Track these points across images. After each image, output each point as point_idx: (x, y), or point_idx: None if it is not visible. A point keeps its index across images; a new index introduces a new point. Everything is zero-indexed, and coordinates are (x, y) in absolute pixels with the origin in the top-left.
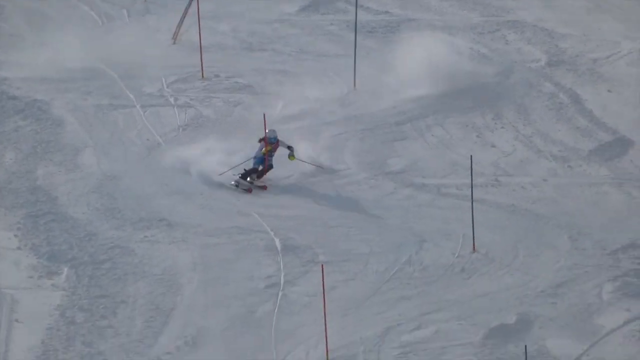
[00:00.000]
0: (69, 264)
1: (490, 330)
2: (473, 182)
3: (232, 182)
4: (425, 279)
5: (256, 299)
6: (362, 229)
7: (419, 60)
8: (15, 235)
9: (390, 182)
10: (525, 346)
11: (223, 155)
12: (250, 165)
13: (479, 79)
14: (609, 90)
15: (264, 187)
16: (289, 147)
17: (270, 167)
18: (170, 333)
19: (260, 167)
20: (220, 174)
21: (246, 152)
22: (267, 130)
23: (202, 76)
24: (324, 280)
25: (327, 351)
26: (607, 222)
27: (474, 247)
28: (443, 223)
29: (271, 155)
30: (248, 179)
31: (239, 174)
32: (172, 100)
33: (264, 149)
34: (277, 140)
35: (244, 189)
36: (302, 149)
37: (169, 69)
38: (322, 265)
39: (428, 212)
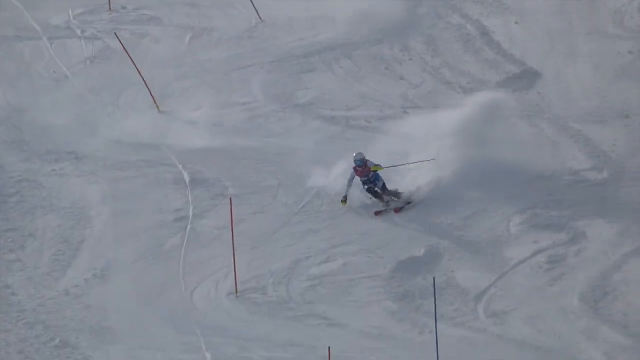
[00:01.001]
0: None
1: (398, 263)
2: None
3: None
4: (334, 212)
5: (165, 231)
6: (271, 162)
7: None
8: None
9: (299, 115)
10: (434, 278)
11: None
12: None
13: (387, 11)
14: (516, 22)
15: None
16: (376, 165)
17: (381, 187)
18: (78, 266)
19: (375, 187)
20: (377, 213)
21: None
22: (354, 154)
23: (109, 8)
24: (233, 213)
25: (235, 283)
26: (515, 154)
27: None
28: (352, 154)
29: (369, 178)
30: (385, 201)
31: (385, 204)
32: (78, 32)
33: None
34: (366, 162)
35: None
36: (210, 80)
37: (75, 1)
38: (230, 198)
39: (337, 144)
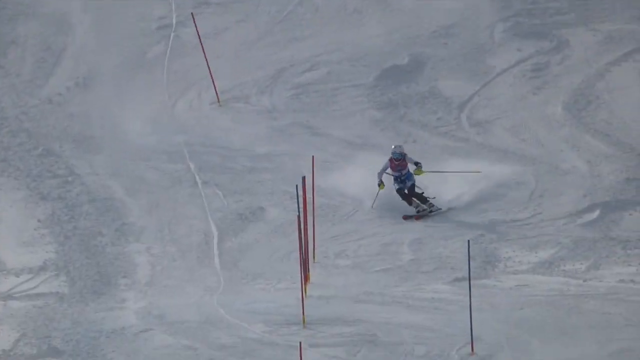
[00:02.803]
0: None
1: (382, 71)
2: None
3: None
4: (318, 20)
5: (148, 39)
6: None
7: None
8: None
9: None
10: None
11: None
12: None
13: None
14: None
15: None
16: (417, 163)
17: (412, 186)
18: (61, 74)
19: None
20: (373, 207)
21: None
22: (392, 147)
23: None
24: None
25: (217, 94)
26: None
27: None
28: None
29: (401, 174)
30: (418, 207)
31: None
32: None
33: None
34: (404, 157)
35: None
36: None
37: None
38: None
39: None
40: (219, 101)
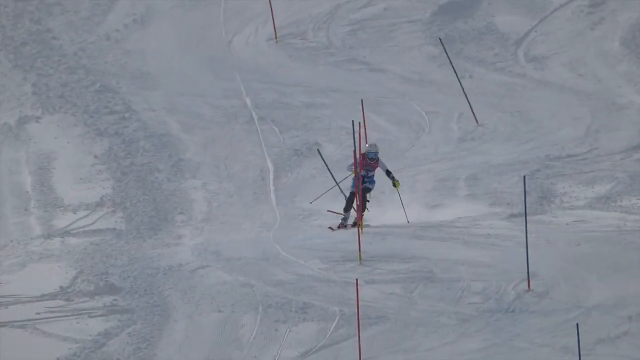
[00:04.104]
0: None
1: (439, 7)
2: None
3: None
4: None
5: None
6: None
7: None
8: None
9: None
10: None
11: None
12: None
13: None
14: None
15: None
16: (389, 174)
17: (367, 189)
18: (119, 10)
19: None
20: (311, 202)
21: None
22: (366, 145)
23: None
24: None
25: (274, 28)
26: None
27: None
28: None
29: (367, 177)
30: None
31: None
32: None
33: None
34: (377, 159)
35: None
36: None
37: None
38: None
39: None
40: (276, 37)
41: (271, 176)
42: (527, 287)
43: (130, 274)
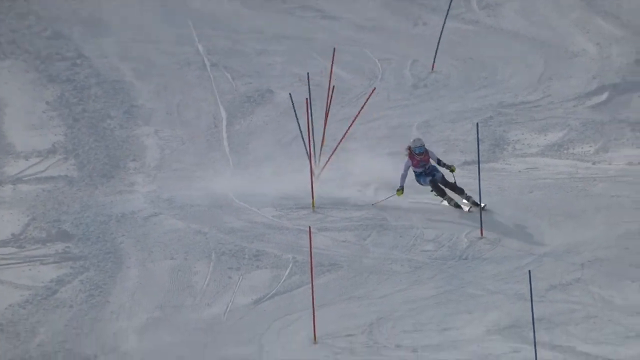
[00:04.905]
0: None
1: None
2: None
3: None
4: None
5: None
6: None
7: None
8: None
9: None
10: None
11: None
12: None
13: None
14: None
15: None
16: (440, 162)
17: (436, 180)
18: None
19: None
20: (374, 205)
21: None
22: (411, 140)
23: None
24: None
25: None
26: None
27: None
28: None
29: (425, 169)
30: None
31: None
32: None
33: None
34: (426, 151)
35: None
36: None
37: None
38: None
39: None
40: None
41: (224, 123)
42: (480, 235)
43: (82, 221)
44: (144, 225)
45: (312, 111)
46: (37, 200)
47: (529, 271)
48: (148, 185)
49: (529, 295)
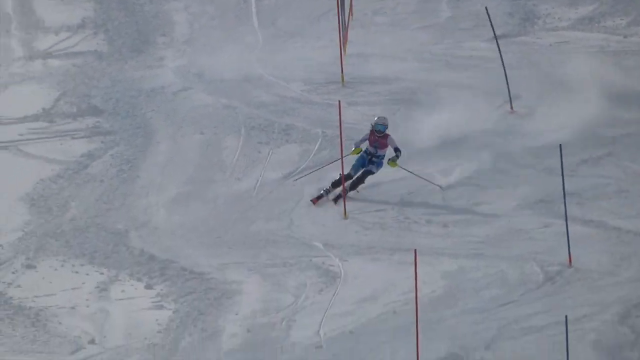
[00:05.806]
0: None
1: None
2: None
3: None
4: None
5: None
6: None
7: None
8: None
9: None
10: None
11: None
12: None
13: None
14: None
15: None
16: (397, 151)
17: (369, 172)
18: None
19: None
20: (295, 180)
21: None
22: (376, 117)
23: None
24: None
25: None
26: None
27: None
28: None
29: (375, 153)
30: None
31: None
32: None
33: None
34: (387, 134)
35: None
36: None
37: None
38: None
39: None
40: None
41: None
42: (510, 109)
43: (112, 96)
44: (173, 100)
45: None
46: (67, 75)
47: (560, 145)
48: (177, 60)
49: (560, 169)
